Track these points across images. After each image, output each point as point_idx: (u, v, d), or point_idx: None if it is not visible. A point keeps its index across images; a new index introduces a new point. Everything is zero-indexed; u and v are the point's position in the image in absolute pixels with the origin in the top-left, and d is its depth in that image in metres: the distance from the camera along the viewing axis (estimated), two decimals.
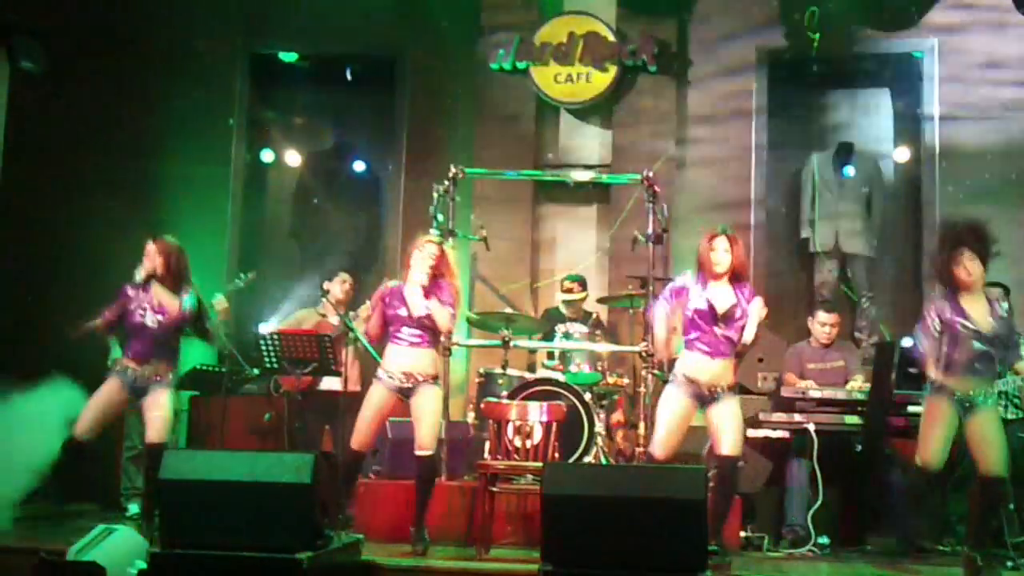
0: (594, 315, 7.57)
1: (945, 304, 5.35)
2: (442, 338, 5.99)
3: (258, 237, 9.45)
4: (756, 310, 5.40)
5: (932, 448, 5.30)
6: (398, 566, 5.09)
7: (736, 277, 5.49)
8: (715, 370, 5.39)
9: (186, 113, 8.65)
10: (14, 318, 7.86)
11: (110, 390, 5.90)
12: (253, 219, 9.37)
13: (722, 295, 5.43)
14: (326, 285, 7.44)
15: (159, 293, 5.92)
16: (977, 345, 5.27)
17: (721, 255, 5.44)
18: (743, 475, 6.33)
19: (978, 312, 5.31)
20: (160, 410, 5.88)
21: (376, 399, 5.61)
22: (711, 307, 5.39)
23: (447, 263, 5.67)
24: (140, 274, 5.97)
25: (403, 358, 5.61)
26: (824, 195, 8.68)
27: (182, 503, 4.48)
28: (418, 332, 5.62)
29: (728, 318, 5.40)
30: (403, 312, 5.60)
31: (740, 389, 7.10)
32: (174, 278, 5.95)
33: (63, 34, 8.28)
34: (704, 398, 5.41)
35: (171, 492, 4.51)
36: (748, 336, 5.39)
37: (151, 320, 5.90)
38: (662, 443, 5.40)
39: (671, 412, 5.42)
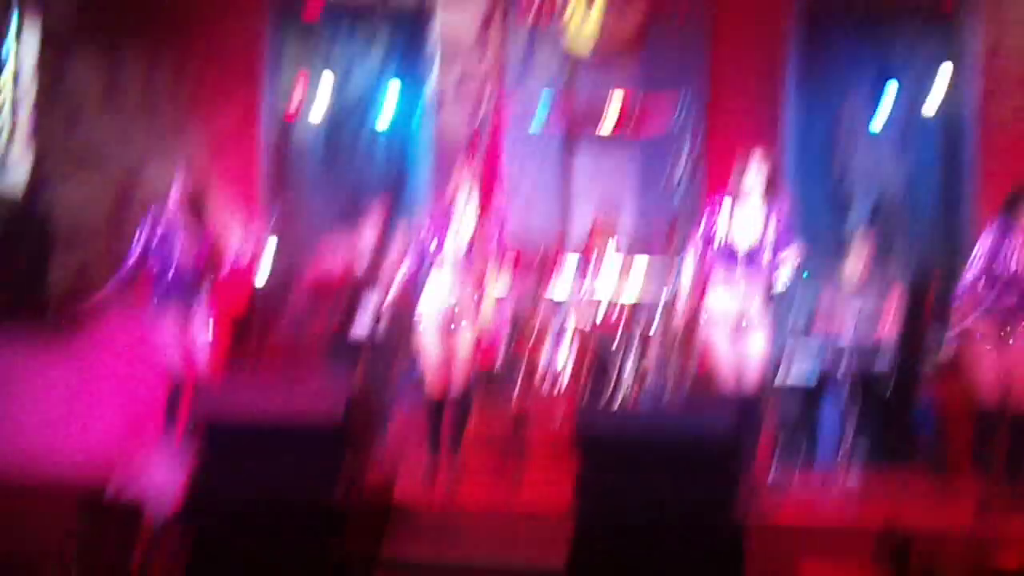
0: (624, 255, 7.52)
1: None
2: None
3: (286, 185, 9.42)
4: (779, 249, 5.32)
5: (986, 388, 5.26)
6: (431, 505, 5.14)
7: (765, 199, 5.41)
8: (741, 302, 5.35)
9: (213, 63, 8.62)
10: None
11: None
12: (282, 166, 9.34)
13: (748, 226, 5.38)
14: (353, 235, 7.42)
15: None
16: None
17: (752, 176, 5.37)
18: (773, 414, 6.34)
19: None
20: None
21: (430, 341, 5.69)
22: (733, 241, 5.38)
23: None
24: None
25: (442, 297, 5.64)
26: (857, 139, 8.56)
27: (217, 444, 4.51)
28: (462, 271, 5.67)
29: (752, 251, 5.34)
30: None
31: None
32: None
33: None
34: (732, 329, 5.38)
35: (207, 433, 4.54)
36: (777, 280, 5.35)
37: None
38: (700, 381, 5.40)
39: (702, 347, 5.41)
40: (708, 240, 5.44)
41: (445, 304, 5.61)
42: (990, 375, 5.30)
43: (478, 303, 6.35)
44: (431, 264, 5.65)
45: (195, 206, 5.93)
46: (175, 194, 5.92)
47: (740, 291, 5.36)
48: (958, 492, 5.71)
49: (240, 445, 4.49)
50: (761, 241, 5.36)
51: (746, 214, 5.39)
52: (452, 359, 5.60)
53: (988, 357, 5.27)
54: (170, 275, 5.93)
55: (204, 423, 4.54)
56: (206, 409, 4.59)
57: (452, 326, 5.60)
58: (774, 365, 6.74)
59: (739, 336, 5.37)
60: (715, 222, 5.40)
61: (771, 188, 5.44)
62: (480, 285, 6.19)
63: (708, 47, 8.54)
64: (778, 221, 5.42)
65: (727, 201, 5.41)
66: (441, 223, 5.63)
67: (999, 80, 8.24)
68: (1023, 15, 8.28)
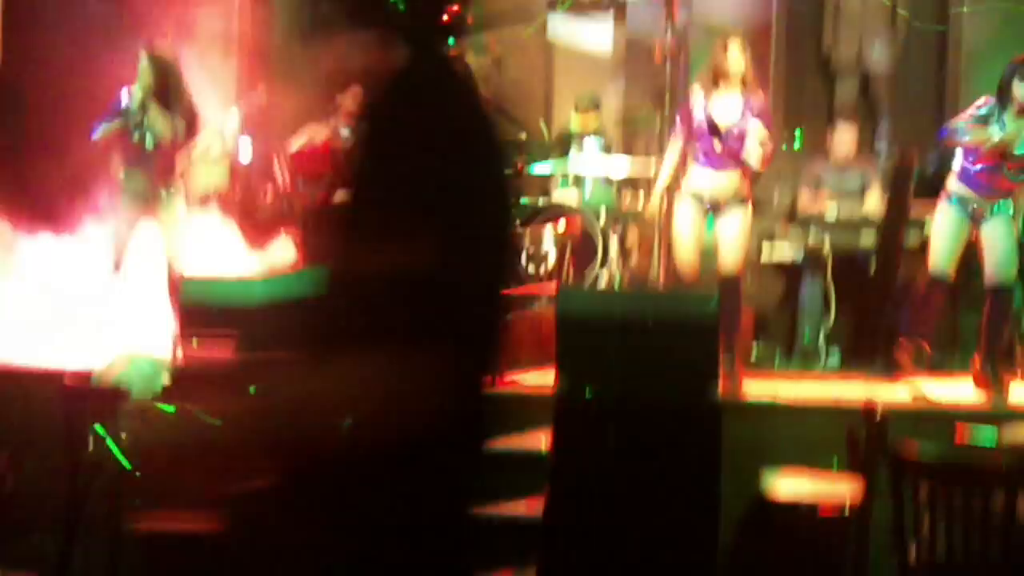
0: (609, 134, 7.46)
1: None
2: None
3: (267, 49, 9.20)
4: (755, 130, 5.25)
5: (940, 255, 5.28)
6: None
7: (746, 85, 5.34)
8: (719, 183, 5.32)
9: None
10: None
11: None
12: (261, 32, 9.11)
13: (726, 108, 5.31)
14: (337, 98, 7.30)
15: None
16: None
17: (734, 60, 5.28)
18: (757, 290, 6.38)
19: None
20: None
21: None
22: (711, 122, 5.29)
23: None
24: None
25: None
26: (847, 9, 8.39)
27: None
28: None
29: (729, 134, 5.30)
30: None
31: (755, 205, 7.12)
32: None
33: None
34: (712, 211, 5.36)
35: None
36: (751, 159, 5.27)
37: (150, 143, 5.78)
38: (681, 263, 5.39)
39: (682, 229, 5.39)
40: (687, 120, 5.35)
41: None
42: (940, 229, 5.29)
43: None
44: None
45: (165, 84, 5.72)
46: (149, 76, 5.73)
47: (719, 171, 5.30)
48: (938, 368, 5.81)
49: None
50: (740, 123, 5.28)
51: (726, 96, 5.30)
52: None
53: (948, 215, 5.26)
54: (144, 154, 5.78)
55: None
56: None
57: None
58: (758, 243, 6.76)
59: (719, 215, 5.34)
60: (695, 102, 5.32)
61: (752, 72, 5.32)
62: None
63: None
64: (757, 104, 5.32)
65: (709, 81, 5.31)
66: None
67: None
68: None
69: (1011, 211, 5.34)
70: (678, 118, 5.45)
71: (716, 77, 5.31)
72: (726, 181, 5.32)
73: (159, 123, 5.71)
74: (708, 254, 5.55)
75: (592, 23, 8.45)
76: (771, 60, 8.25)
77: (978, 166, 5.24)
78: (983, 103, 5.27)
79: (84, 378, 4.70)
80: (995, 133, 5.16)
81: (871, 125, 8.37)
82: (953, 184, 5.30)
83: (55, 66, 7.84)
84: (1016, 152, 5.19)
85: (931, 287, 5.33)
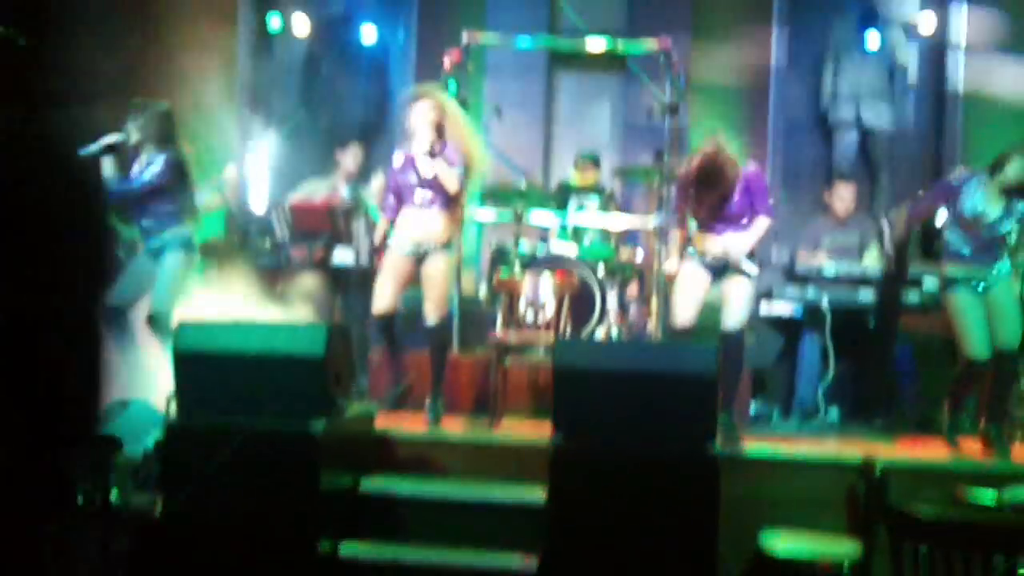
0: (608, 189, 7.49)
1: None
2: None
3: (266, 106, 9.30)
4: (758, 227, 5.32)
5: (974, 338, 5.27)
6: (411, 437, 5.14)
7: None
8: (723, 242, 5.32)
9: None
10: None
11: None
12: (261, 88, 9.21)
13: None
14: (337, 156, 7.35)
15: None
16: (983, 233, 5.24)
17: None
18: (755, 349, 6.36)
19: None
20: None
21: (390, 263, 5.54)
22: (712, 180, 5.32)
23: (449, 117, 5.51)
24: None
25: (414, 223, 5.51)
26: (845, 66, 8.48)
27: (196, 375, 4.50)
28: (429, 194, 5.49)
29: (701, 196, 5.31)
30: (412, 178, 5.51)
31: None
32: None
33: None
34: (716, 270, 5.36)
35: (186, 363, 4.52)
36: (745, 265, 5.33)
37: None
38: (678, 314, 5.37)
39: (684, 286, 5.38)
40: (687, 176, 5.37)
41: (423, 232, 5.50)
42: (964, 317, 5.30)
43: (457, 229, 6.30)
44: (409, 190, 5.52)
45: (165, 129, 5.71)
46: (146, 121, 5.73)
47: (736, 236, 5.32)
48: (936, 427, 5.77)
49: (220, 375, 4.48)
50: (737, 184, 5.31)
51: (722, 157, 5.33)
52: (432, 287, 5.51)
53: (962, 299, 5.28)
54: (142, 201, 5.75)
55: (184, 354, 4.51)
56: (186, 340, 4.55)
57: (429, 254, 5.49)
58: (757, 297, 6.75)
59: (724, 274, 5.33)
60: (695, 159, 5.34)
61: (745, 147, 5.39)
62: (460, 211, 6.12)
63: None
64: (752, 171, 5.35)
65: (709, 140, 5.34)
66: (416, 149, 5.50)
67: (985, 11, 8.16)
68: None
69: (1010, 271, 5.34)
70: (679, 169, 5.45)
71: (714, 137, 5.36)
72: (727, 240, 5.31)
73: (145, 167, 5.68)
74: (710, 310, 5.54)
75: (593, 77, 8.54)
76: (769, 117, 8.33)
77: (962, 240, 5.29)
78: (959, 176, 5.37)
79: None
80: (970, 207, 5.22)
81: (870, 182, 8.43)
82: (950, 268, 5.32)
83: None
84: (989, 224, 5.23)
85: (972, 370, 5.34)
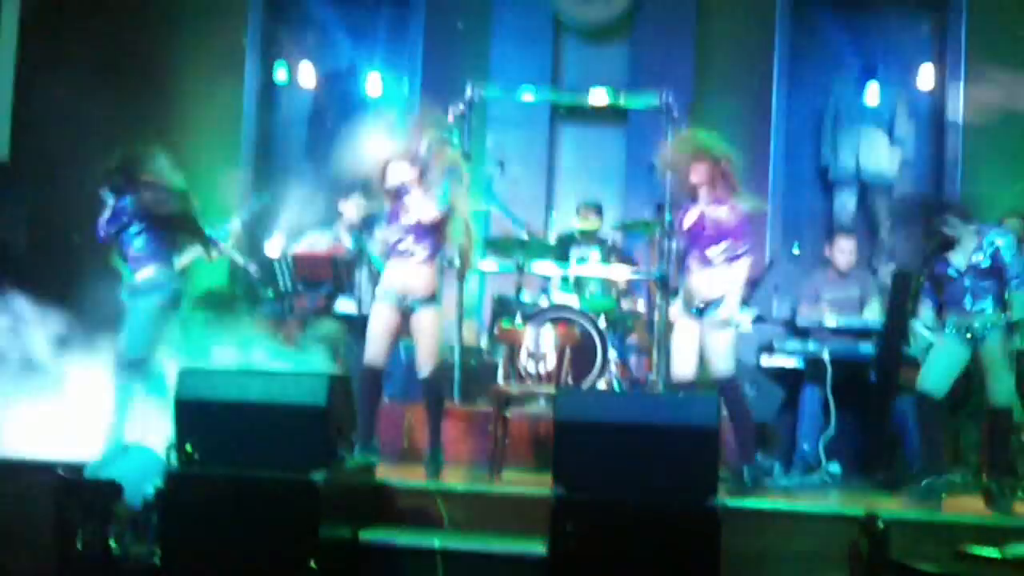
0: (609, 240, 7.54)
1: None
2: (456, 261, 5.91)
3: (272, 158, 9.38)
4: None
5: (933, 377, 5.28)
6: (412, 488, 5.13)
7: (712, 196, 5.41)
8: (706, 281, 5.34)
9: (199, 32, 8.54)
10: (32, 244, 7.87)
11: None
12: (267, 140, 9.30)
13: (693, 214, 5.41)
14: (340, 206, 7.41)
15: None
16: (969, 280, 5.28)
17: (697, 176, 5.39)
18: (756, 402, 6.35)
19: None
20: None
21: (380, 316, 5.54)
22: (682, 227, 5.42)
23: (442, 160, 5.54)
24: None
25: (399, 275, 5.51)
26: (845, 121, 8.56)
27: (198, 422, 4.50)
28: (415, 243, 5.49)
29: (696, 237, 5.39)
30: (396, 228, 5.53)
31: (755, 316, 7.13)
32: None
33: None
34: (699, 312, 5.37)
35: (187, 411, 4.53)
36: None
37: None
38: (676, 367, 5.37)
39: (678, 336, 5.38)
40: (682, 227, 5.41)
41: (407, 283, 5.51)
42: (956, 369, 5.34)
43: (460, 279, 6.33)
44: (396, 240, 5.54)
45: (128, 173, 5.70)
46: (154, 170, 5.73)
47: (712, 279, 5.34)
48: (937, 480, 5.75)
49: (221, 423, 4.49)
50: (732, 232, 5.35)
51: (717, 207, 5.38)
52: (423, 340, 5.52)
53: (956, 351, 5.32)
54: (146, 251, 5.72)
55: (185, 402, 4.52)
56: (188, 389, 4.56)
57: (416, 307, 5.51)
58: (758, 349, 6.76)
59: (714, 322, 5.34)
60: (689, 210, 5.39)
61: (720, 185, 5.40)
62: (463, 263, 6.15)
63: (694, 34, 8.53)
64: (742, 218, 5.40)
65: (702, 192, 5.39)
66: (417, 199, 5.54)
67: (985, 67, 8.24)
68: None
69: (1002, 324, 5.37)
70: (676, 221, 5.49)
71: (709, 188, 5.41)
72: (709, 278, 5.34)
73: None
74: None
75: (595, 130, 8.62)
76: (770, 171, 8.40)
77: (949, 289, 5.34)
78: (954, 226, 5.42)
79: (78, 471, 4.67)
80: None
81: (870, 236, 8.47)
82: (943, 313, 5.37)
83: (62, 164, 7.96)
84: (982, 267, 5.32)
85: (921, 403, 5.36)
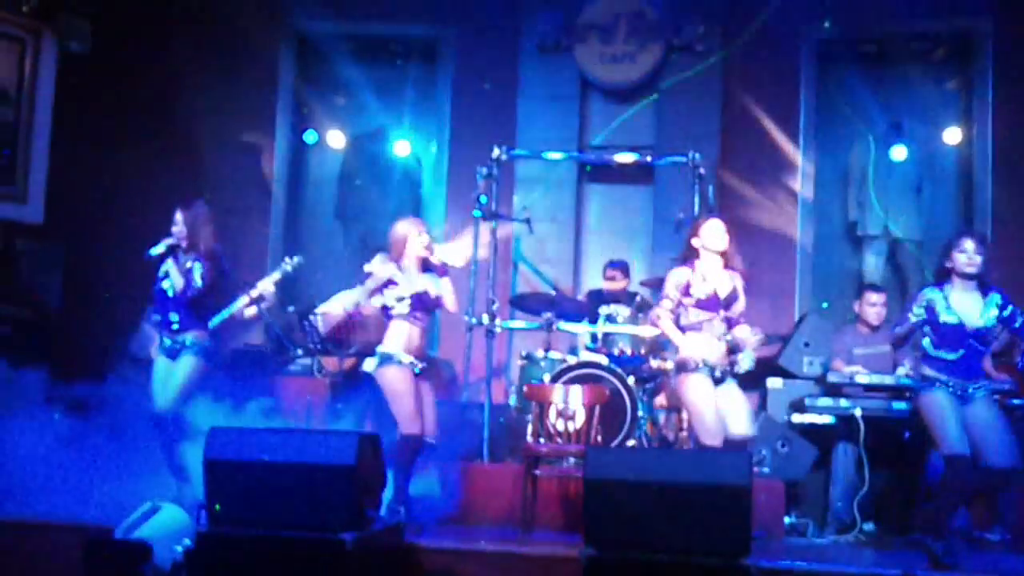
0: (638, 297, 7.53)
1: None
2: (484, 319, 5.91)
3: (302, 218, 9.48)
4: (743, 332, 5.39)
5: (951, 436, 5.14)
6: (440, 548, 5.09)
7: (727, 262, 5.45)
8: (722, 351, 5.33)
9: (231, 94, 8.69)
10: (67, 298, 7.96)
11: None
12: (297, 200, 9.41)
13: (719, 278, 5.40)
14: (367, 267, 7.44)
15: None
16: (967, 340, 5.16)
17: (721, 235, 5.40)
18: (788, 460, 6.29)
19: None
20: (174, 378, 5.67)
21: (410, 383, 5.54)
22: (715, 292, 5.36)
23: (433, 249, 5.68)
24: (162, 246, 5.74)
25: (418, 341, 5.57)
26: (873, 177, 8.57)
27: (228, 482, 4.50)
28: (422, 313, 5.58)
29: (729, 302, 5.39)
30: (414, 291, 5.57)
31: (785, 373, 7.08)
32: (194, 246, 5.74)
33: (109, 16, 8.32)
34: (717, 380, 5.34)
35: (217, 471, 4.53)
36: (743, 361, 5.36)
37: (170, 289, 5.73)
38: (711, 431, 5.31)
39: (707, 399, 5.34)
40: (687, 290, 5.41)
41: (415, 348, 5.54)
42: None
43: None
44: (437, 303, 5.60)
45: (200, 238, 5.75)
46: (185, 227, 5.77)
47: (720, 339, 5.33)
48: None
49: (251, 483, 4.49)
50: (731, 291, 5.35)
51: (713, 272, 5.40)
52: (430, 406, 5.55)
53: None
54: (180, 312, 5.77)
55: (215, 462, 4.53)
56: (218, 448, 4.57)
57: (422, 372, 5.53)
58: (789, 406, 6.71)
59: (720, 383, 5.32)
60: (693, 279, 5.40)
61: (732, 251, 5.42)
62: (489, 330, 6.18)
63: (720, 93, 8.58)
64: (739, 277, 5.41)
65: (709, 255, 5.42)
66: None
67: (1012, 121, 8.24)
68: None
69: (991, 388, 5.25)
70: (673, 291, 5.45)
71: (697, 249, 5.43)
72: (724, 348, 5.33)
73: (174, 273, 5.72)
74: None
75: (622, 188, 8.66)
76: (798, 228, 8.40)
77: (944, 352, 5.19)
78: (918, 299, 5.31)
79: (107, 532, 4.67)
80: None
81: (900, 292, 8.43)
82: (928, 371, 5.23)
83: (95, 222, 8.08)
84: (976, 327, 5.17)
85: (955, 468, 5.17)
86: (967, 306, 5.17)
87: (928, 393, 5.19)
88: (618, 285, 7.47)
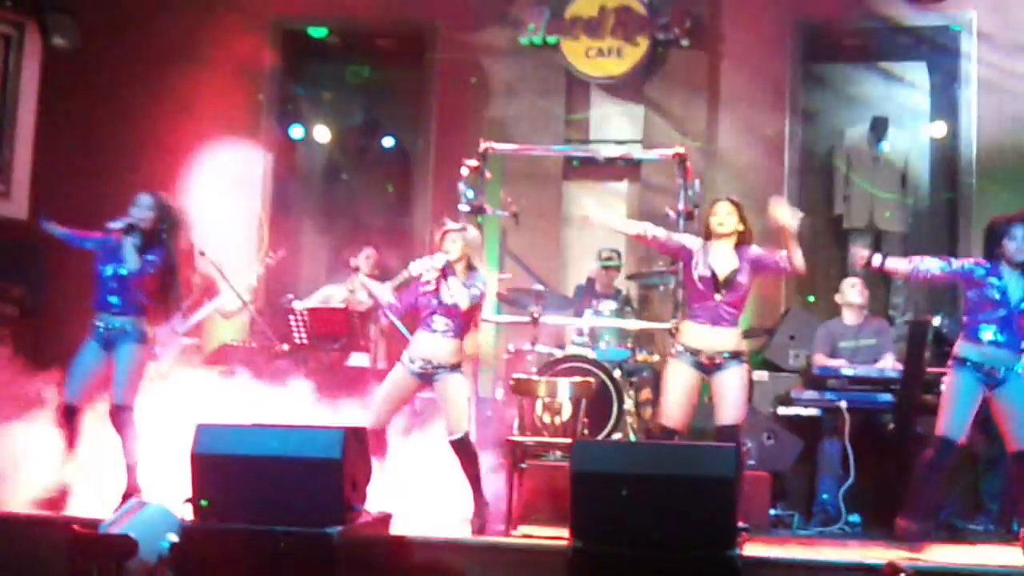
0: (624, 292, 7.55)
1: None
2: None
3: (288, 213, 9.45)
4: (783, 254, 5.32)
5: (951, 420, 5.18)
6: (427, 541, 5.09)
7: (741, 242, 5.40)
8: (717, 339, 5.31)
9: (216, 89, 8.66)
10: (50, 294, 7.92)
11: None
12: (283, 195, 9.38)
13: (724, 260, 5.35)
14: (352, 261, 7.44)
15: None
16: (1003, 313, 5.16)
17: (724, 217, 5.37)
18: (774, 452, 6.31)
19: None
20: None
21: (396, 379, 5.56)
22: (713, 274, 5.31)
23: (477, 250, 5.63)
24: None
25: (428, 346, 5.53)
26: (858, 171, 8.60)
27: (213, 477, 4.50)
28: (447, 321, 5.53)
29: (729, 284, 5.32)
30: (434, 301, 5.53)
31: (770, 366, 7.11)
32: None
33: (94, 10, 8.29)
34: (706, 368, 5.33)
35: (203, 466, 4.53)
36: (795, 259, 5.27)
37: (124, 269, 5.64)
38: (668, 416, 5.33)
39: (676, 384, 5.35)
40: (689, 276, 5.39)
41: (434, 352, 5.52)
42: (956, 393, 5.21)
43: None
44: (429, 313, 5.56)
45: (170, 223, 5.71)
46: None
47: (715, 327, 5.31)
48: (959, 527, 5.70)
49: (237, 478, 4.48)
50: (739, 275, 5.32)
51: (720, 248, 5.37)
52: (451, 407, 5.51)
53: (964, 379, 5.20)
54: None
55: (202, 457, 4.52)
56: (204, 443, 4.56)
57: (439, 374, 5.50)
58: (774, 399, 6.73)
59: (715, 371, 5.31)
60: (696, 258, 5.37)
61: (747, 229, 5.40)
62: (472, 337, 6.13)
63: (707, 86, 8.59)
64: (753, 254, 5.38)
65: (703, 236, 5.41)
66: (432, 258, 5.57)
67: (996, 112, 8.26)
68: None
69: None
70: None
71: (708, 233, 5.40)
72: (722, 337, 5.30)
73: (130, 253, 5.66)
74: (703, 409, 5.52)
75: (608, 184, 8.67)
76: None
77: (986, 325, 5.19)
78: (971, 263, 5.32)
79: (92, 526, 4.65)
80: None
81: (884, 284, 8.45)
82: (964, 348, 5.23)
83: (78, 218, 8.03)
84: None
85: (941, 450, 5.19)
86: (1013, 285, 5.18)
87: (958, 372, 5.21)
88: (615, 265, 7.46)
